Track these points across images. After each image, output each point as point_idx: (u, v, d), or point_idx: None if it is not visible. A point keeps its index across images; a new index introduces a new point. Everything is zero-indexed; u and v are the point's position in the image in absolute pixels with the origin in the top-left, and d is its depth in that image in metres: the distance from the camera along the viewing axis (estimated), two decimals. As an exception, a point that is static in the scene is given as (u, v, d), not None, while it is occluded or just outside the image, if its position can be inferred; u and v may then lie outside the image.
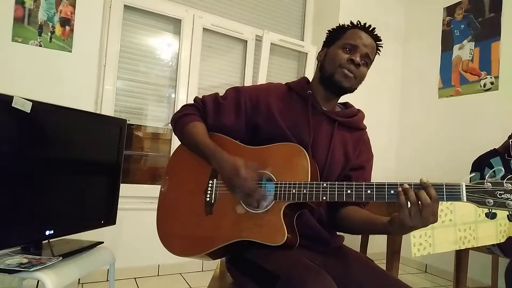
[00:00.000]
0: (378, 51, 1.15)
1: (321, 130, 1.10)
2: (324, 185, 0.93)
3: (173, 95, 2.70)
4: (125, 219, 2.21)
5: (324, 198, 0.92)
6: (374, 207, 1.09)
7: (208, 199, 1.06)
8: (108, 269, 2.10)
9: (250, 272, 0.98)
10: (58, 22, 2.08)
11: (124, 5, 2.45)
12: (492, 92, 2.66)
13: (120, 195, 1.78)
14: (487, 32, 2.74)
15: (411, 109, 3.38)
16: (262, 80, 2.91)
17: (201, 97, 1.17)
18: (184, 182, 1.13)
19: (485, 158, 2.04)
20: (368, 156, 1.20)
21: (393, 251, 1.69)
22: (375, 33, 1.12)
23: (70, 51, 2.12)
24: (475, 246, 1.70)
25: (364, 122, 1.22)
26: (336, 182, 0.92)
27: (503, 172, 0.80)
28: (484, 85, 2.72)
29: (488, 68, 2.70)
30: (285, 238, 0.92)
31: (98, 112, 2.32)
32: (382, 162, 3.27)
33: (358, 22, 1.12)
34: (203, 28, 2.74)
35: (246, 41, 2.97)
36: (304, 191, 0.94)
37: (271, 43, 2.98)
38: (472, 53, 2.83)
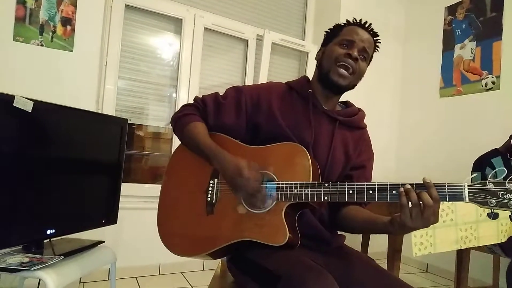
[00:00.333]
0: (376, 48, 1.15)
1: (322, 130, 1.10)
2: (326, 185, 0.93)
3: (174, 95, 2.70)
4: (126, 218, 2.21)
5: (326, 198, 0.92)
6: (374, 206, 1.09)
7: (209, 199, 1.06)
8: (109, 268, 2.10)
9: (251, 272, 0.98)
10: (59, 21, 2.09)
11: (125, 5, 2.45)
12: (494, 91, 2.66)
13: (121, 194, 1.78)
14: (488, 32, 2.73)
15: (412, 108, 3.38)
16: (263, 79, 2.91)
17: (201, 96, 1.17)
18: (185, 182, 1.13)
19: (486, 158, 2.03)
20: (368, 155, 1.19)
21: (394, 251, 1.69)
22: (372, 29, 1.11)
23: (71, 51, 2.12)
24: (476, 245, 1.70)
25: (365, 121, 1.22)
26: (338, 182, 0.92)
27: (505, 173, 0.80)
28: (486, 85, 2.71)
29: (489, 68, 2.70)
30: (287, 238, 0.92)
31: (99, 111, 2.32)
32: (382, 162, 3.26)
33: (354, 20, 1.11)
34: (204, 28, 2.74)
35: (247, 40, 2.97)
36: (306, 191, 0.94)
37: (272, 43, 2.97)
38: (474, 53, 2.82)
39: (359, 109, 1.22)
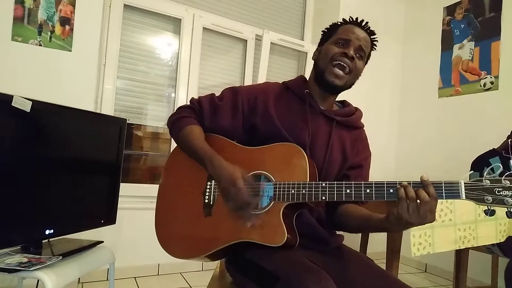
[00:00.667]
0: (374, 46, 1.14)
1: (319, 130, 1.10)
2: (323, 184, 0.93)
3: (173, 95, 2.70)
4: (125, 218, 2.21)
5: (323, 198, 0.92)
6: (372, 206, 1.09)
7: (206, 200, 1.06)
8: (108, 269, 2.10)
9: (249, 273, 0.97)
10: (58, 21, 2.08)
11: (124, 4, 2.45)
12: (492, 91, 2.66)
13: (120, 194, 1.78)
14: (487, 32, 2.74)
15: (410, 108, 3.38)
16: (262, 79, 2.91)
17: (197, 97, 1.16)
18: (182, 184, 1.13)
19: (484, 158, 2.04)
20: (365, 154, 1.19)
21: (393, 251, 1.69)
22: (369, 28, 1.11)
23: (70, 51, 2.11)
24: (475, 245, 1.70)
25: (364, 121, 1.22)
26: (335, 182, 0.92)
27: (501, 169, 0.80)
28: (484, 85, 2.72)
29: (488, 68, 2.70)
30: (285, 238, 0.92)
31: (98, 111, 2.31)
32: (381, 161, 3.27)
33: (350, 18, 1.11)
34: (203, 28, 2.73)
35: (246, 40, 2.96)
36: (303, 191, 0.94)
37: (271, 43, 2.97)
38: (472, 53, 2.83)
39: (356, 109, 1.22)
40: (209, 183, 1.07)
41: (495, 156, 2.01)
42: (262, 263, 0.93)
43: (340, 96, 1.19)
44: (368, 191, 0.88)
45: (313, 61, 1.18)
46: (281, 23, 3.18)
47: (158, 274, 2.47)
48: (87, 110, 1.79)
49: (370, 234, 2.44)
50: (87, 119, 1.64)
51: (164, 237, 1.11)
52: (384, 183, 0.86)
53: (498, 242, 1.77)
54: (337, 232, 1.16)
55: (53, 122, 1.43)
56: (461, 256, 2.01)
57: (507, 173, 0.78)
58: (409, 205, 0.81)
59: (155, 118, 2.67)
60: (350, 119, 1.16)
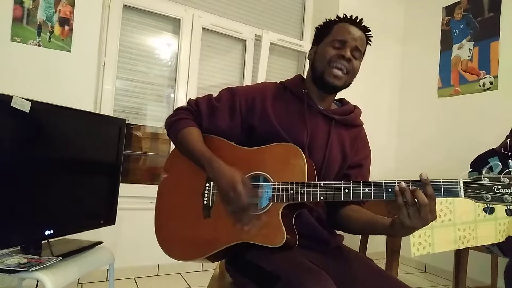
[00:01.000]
0: (369, 42, 1.13)
1: (318, 130, 1.10)
2: (322, 184, 0.92)
3: (172, 95, 2.69)
4: (124, 219, 2.20)
5: (322, 198, 0.92)
6: (372, 204, 1.09)
7: (205, 202, 1.06)
8: (107, 269, 2.10)
9: (249, 273, 0.97)
10: (57, 21, 2.08)
11: (123, 5, 2.45)
12: (491, 91, 2.66)
13: (119, 195, 1.77)
14: (486, 32, 2.74)
15: (410, 108, 3.38)
16: (261, 79, 2.91)
17: (194, 99, 1.16)
18: (181, 186, 1.12)
19: (484, 158, 2.04)
20: (365, 153, 1.19)
21: (393, 251, 1.69)
22: (363, 25, 1.10)
23: (69, 51, 2.11)
24: (474, 245, 1.70)
25: (364, 122, 1.21)
26: (334, 182, 0.92)
27: (500, 167, 0.80)
28: (483, 85, 2.72)
29: (487, 68, 2.70)
30: (285, 239, 0.92)
31: (97, 112, 2.31)
32: (381, 161, 3.28)
33: (344, 16, 1.10)
34: (202, 28, 2.73)
35: (246, 40, 2.97)
36: (302, 191, 0.93)
37: (271, 43, 2.98)
38: (471, 53, 2.83)
39: (355, 107, 1.21)
40: (207, 184, 1.07)
41: (494, 156, 2.01)
42: (261, 264, 0.93)
43: (339, 95, 1.19)
44: (366, 190, 0.88)
45: (308, 60, 1.17)
46: (280, 23, 3.18)
47: (157, 275, 2.46)
48: (87, 111, 1.78)
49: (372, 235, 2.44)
50: (86, 120, 1.64)
51: (164, 239, 1.11)
52: (382, 182, 0.86)
53: (498, 242, 1.77)
54: (337, 232, 1.16)
55: (52, 122, 1.43)
56: (460, 256, 2.01)
57: (506, 171, 0.78)
58: (409, 210, 0.80)
59: (154, 118, 2.66)
60: (349, 118, 1.16)
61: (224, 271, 1.24)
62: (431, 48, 3.16)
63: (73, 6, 2.12)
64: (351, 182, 0.90)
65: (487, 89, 2.69)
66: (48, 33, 2.06)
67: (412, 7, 3.45)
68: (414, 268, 3.08)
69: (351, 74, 1.08)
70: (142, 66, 2.60)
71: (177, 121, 1.10)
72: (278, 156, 1.01)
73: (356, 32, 1.07)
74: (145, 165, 2.78)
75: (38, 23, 2.03)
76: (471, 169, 2.04)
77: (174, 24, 2.69)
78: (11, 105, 1.22)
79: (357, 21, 1.09)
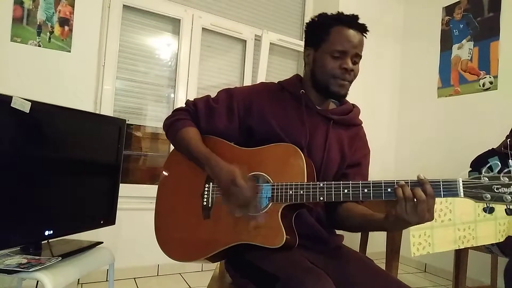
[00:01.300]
0: (364, 36, 1.09)
1: (316, 130, 1.09)
2: (321, 185, 0.92)
3: (172, 95, 2.70)
4: (124, 219, 2.20)
5: (321, 198, 0.92)
6: (372, 205, 1.09)
7: (205, 203, 1.06)
8: (107, 269, 2.10)
9: (249, 274, 0.97)
10: (57, 22, 2.08)
11: (123, 5, 2.45)
12: (491, 91, 2.66)
13: (119, 195, 1.77)
14: (486, 32, 2.74)
15: (410, 108, 3.38)
16: (261, 79, 2.90)
17: (192, 100, 1.16)
18: (180, 187, 1.12)
19: (484, 158, 2.04)
20: (364, 151, 1.18)
21: (393, 251, 1.69)
22: (361, 24, 1.06)
23: (69, 51, 2.11)
24: (474, 245, 1.70)
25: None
26: (333, 182, 0.92)
27: (499, 167, 0.79)
28: (483, 85, 2.72)
29: (487, 68, 2.70)
30: (284, 240, 0.92)
31: (97, 112, 2.31)
32: (381, 161, 3.28)
33: (341, 16, 1.06)
34: (202, 28, 2.74)
35: (245, 41, 2.97)
36: (301, 192, 0.93)
37: (270, 43, 2.97)
38: (471, 53, 2.83)
39: (354, 105, 1.20)
40: (207, 185, 1.07)
41: (494, 156, 2.01)
42: (261, 264, 0.93)
43: None
44: (366, 190, 0.88)
45: (304, 62, 1.16)
46: (280, 23, 3.18)
47: (157, 275, 2.46)
48: (87, 111, 1.78)
49: (369, 234, 2.44)
50: (86, 120, 1.64)
51: (164, 241, 1.11)
52: (382, 183, 0.86)
53: (498, 241, 1.77)
54: (337, 232, 1.16)
55: (52, 123, 1.43)
56: (460, 256, 2.01)
57: (505, 170, 0.77)
58: (406, 204, 0.81)
59: (154, 118, 2.66)
60: (347, 118, 1.15)
61: (224, 271, 1.24)
62: (431, 48, 3.16)
63: (73, 6, 2.12)
64: (350, 182, 0.90)
65: (487, 89, 2.69)
66: (48, 34, 2.06)
67: (412, 7, 3.45)
68: (414, 268, 3.08)
69: (353, 79, 1.08)
70: (142, 66, 2.60)
71: (175, 122, 1.11)
72: (277, 157, 1.01)
73: (355, 37, 1.03)
74: (145, 165, 2.78)
75: (38, 23, 2.03)
76: (470, 169, 2.04)
77: (174, 24, 2.69)
78: (11, 105, 1.21)
79: (354, 22, 1.05)
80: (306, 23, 1.14)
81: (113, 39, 2.41)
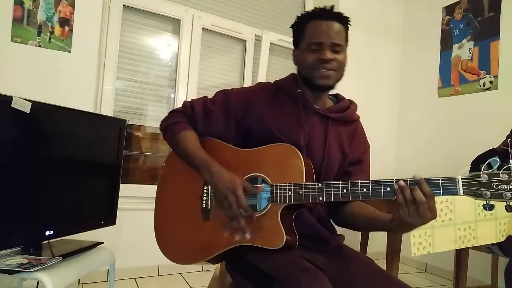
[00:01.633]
0: (347, 25, 1.08)
1: (315, 130, 1.09)
2: (320, 185, 0.92)
3: (172, 95, 2.70)
4: (125, 219, 2.20)
5: (321, 198, 0.91)
6: (373, 205, 1.09)
7: (204, 205, 1.05)
8: (108, 270, 2.10)
9: (248, 274, 0.97)
10: (57, 22, 2.08)
11: (123, 5, 2.45)
12: (492, 91, 2.66)
13: (120, 195, 1.78)
14: (486, 32, 2.74)
15: (410, 108, 3.38)
16: (261, 79, 2.91)
17: (189, 101, 1.15)
18: (179, 189, 1.12)
19: (484, 157, 2.04)
20: (364, 147, 1.18)
21: (393, 251, 1.68)
22: (334, 13, 1.05)
23: (70, 51, 2.11)
24: (475, 245, 1.70)
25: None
26: (332, 182, 0.91)
27: (498, 163, 0.79)
28: (484, 85, 2.72)
29: (487, 68, 2.70)
30: (284, 241, 0.92)
31: (97, 112, 2.31)
32: (381, 161, 3.28)
33: (313, 10, 1.07)
34: (203, 28, 2.74)
35: (246, 41, 2.97)
36: (300, 192, 0.93)
37: (271, 43, 2.98)
38: (472, 53, 2.83)
39: (351, 101, 1.19)
40: (205, 187, 1.06)
41: (494, 156, 2.01)
42: (259, 265, 0.93)
43: (336, 90, 1.17)
44: (365, 190, 0.87)
45: (295, 64, 1.15)
46: (280, 23, 3.18)
47: (158, 275, 2.46)
48: (87, 111, 1.78)
49: (370, 234, 2.44)
50: (86, 120, 1.64)
51: (164, 243, 1.11)
52: (381, 182, 0.86)
53: (498, 241, 1.77)
54: (338, 232, 1.15)
55: (52, 123, 1.43)
56: (461, 255, 2.01)
57: (505, 167, 0.77)
58: (409, 208, 0.81)
59: (154, 118, 2.66)
60: (345, 115, 1.14)
61: (224, 272, 1.24)
62: (431, 48, 3.16)
63: (73, 6, 2.12)
64: (349, 182, 0.89)
65: (487, 89, 2.69)
66: (48, 34, 2.06)
67: (412, 6, 3.45)
68: (415, 268, 3.08)
69: (339, 69, 1.06)
70: (142, 67, 2.60)
71: (172, 124, 1.10)
72: (275, 157, 1.01)
73: (329, 27, 1.03)
74: (145, 166, 2.78)
75: (38, 23, 2.03)
76: (471, 169, 2.04)
77: (174, 25, 2.69)
78: (12, 105, 1.22)
79: (326, 12, 1.05)
80: (290, 26, 1.15)
81: (113, 39, 2.41)
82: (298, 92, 1.11)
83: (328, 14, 1.05)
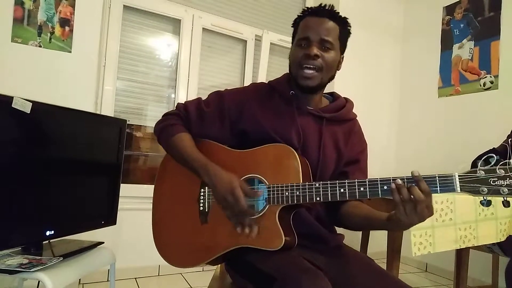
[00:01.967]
0: (344, 25, 1.06)
1: (309, 130, 1.08)
2: (317, 185, 0.91)
3: (172, 95, 2.70)
4: (125, 219, 2.21)
5: (318, 198, 0.91)
6: (372, 204, 1.09)
7: (201, 208, 1.05)
8: (108, 269, 2.10)
9: (248, 274, 0.97)
10: (57, 22, 2.08)
11: (124, 5, 2.45)
12: (492, 91, 2.66)
13: (120, 195, 1.78)
14: (486, 31, 2.74)
15: (410, 108, 3.38)
16: (262, 79, 2.90)
17: (183, 103, 1.14)
18: (176, 192, 1.12)
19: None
20: (361, 146, 1.16)
21: (394, 250, 1.68)
22: (325, 10, 1.03)
23: (70, 52, 2.12)
24: (475, 245, 1.69)
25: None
26: (329, 182, 0.91)
27: (495, 159, 0.78)
28: (484, 84, 2.72)
29: (487, 67, 2.70)
30: (283, 242, 0.91)
31: (98, 112, 2.31)
32: (381, 161, 3.27)
33: (307, 8, 1.06)
34: (203, 28, 2.74)
35: (246, 41, 2.97)
36: (297, 192, 0.92)
37: (271, 43, 2.98)
38: (472, 52, 2.83)
39: (347, 100, 1.18)
40: (202, 189, 1.06)
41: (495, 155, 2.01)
42: (259, 265, 0.93)
43: (336, 88, 1.17)
44: (362, 189, 0.87)
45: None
46: (280, 23, 3.18)
47: (158, 275, 2.46)
48: (87, 111, 1.78)
49: (370, 233, 2.44)
50: (87, 120, 1.64)
51: (164, 248, 1.11)
52: (377, 180, 0.85)
53: (499, 241, 1.77)
54: (338, 231, 1.15)
55: (53, 123, 1.43)
56: (461, 255, 2.01)
57: (501, 162, 0.77)
58: (405, 207, 0.80)
59: (155, 119, 2.66)
60: (340, 114, 1.13)
61: (224, 272, 1.24)
62: (432, 47, 3.16)
63: (73, 7, 2.12)
64: (346, 181, 0.89)
65: (488, 89, 2.69)
66: (49, 34, 2.06)
67: (412, 6, 3.45)
68: (415, 267, 3.08)
69: (326, 68, 1.03)
70: (142, 67, 2.60)
71: (166, 127, 1.09)
72: (271, 158, 1.00)
73: (319, 23, 1.02)
74: (146, 166, 2.78)
75: (38, 24, 2.03)
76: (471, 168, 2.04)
77: (175, 25, 2.69)
78: (12, 106, 1.22)
79: (318, 9, 1.03)
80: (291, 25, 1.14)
81: (113, 39, 2.41)
82: (291, 93, 1.10)
83: (322, 12, 1.04)
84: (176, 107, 1.14)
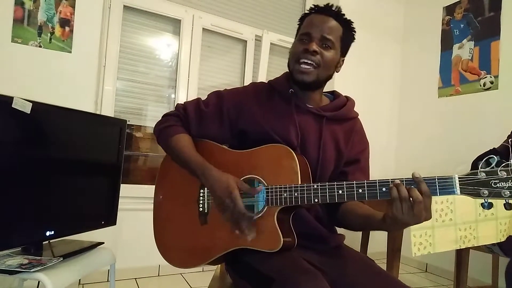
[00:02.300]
0: (347, 26, 1.06)
1: (309, 130, 1.07)
2: (315, 186, 0.90)
3: (173, 96, 2.70)
4: (125, 219, 2.21)
5: (316, 200, 0.90)
6: (373, 204, 1.08)
7: (201, 209, 1.05)
8: (108, 270, 2.10)
9: (247, 275, 0.97)
10: (57, 22, 2.08)
11: (124, 6, 2.45)
12: (492, 91, 2.66)
13: (120, 195, 1.78)
14: (486, 31, 2.74)
15: (410, 108, 3.38)
16: (262, 80, 2.90)
17: (182, 103, 1.14)
18: (176, 193, 1.12)
19: (484, 158, 2.04)
20: (362, 146, 1.15)
21: (394, 251, 1.68)
22: (330, 9, 1.04)
23: (70, 52, 2.12)
24: (475, 245, 1.69)
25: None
26: (327, 183, 0.90)
27: (496, 160, 0.75)
28: (484, 85, 2.72)
29: (487, 67, 2.70)
30: (281, 244, 0.91)
31: (98, 112, 2.31)
32: (381, 162, 3.28)
33: (313, 7, 1.06)
34: (203, 28, 2.74)
35: (246, 41, 2.97)
36: (296, 194, 0.92)
37: (271, 43, 2.98)
38: (472, 52, 2.83)
39: (348, 98, 1.17)
40: (201, 190, 1.06)
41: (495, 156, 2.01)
42: (258, 266, 0.92)
43: (336, 88, 1.16)
44: (360, 191, 0.86)
45: None
46: (280, 23, 3.18)
47: (158, 275, 2.46)
48: (87, 112, 1.78)
49: (370, 233, 2.44)
50: (87, 121, 1.64)
51: (164, 248, 1.11)
52: (376, 182, 0.84)
53: (499, 241, 1.77)
54: (338, 231, 1.15)
55: (53, 123, 1.43)
56: (461, 255, 2.01)
57: (503, 164, 0.74)
58: (402, 205, 0.79)
59: (155, 119, 2.66)
60: (340, 113, 1.11)
61: (224, 272, 1.24)
62: (432, 47, 3.16)
63: (73, 7, 2.12)
64: (344, 182, 0.88)
65: (488, 89, 2.69)
66: (49, 34, 2.06)
67: (412, 6, 3.45)
68: (415, 268, 3.08)
69: (323, 66, 1.02)
70: (142, 67, 2.60)
71: (166, 128, 1.09)
72: (269, 158, 1.00)
73: (322, 21, 1.02)
74: (146, 166, 2.78)
75: (38, 24, 2.03)
76: (471, 170, 2.04)
77: (175, 25, 2.69)
78: (12, 106, 1.22)
79: (323, 8, 1.04)
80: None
81: (113, 39, 2.41)
82: (290, 91, 1.09)
83: (328, 10, 1.04)
84: (175, 107, 1.14)
